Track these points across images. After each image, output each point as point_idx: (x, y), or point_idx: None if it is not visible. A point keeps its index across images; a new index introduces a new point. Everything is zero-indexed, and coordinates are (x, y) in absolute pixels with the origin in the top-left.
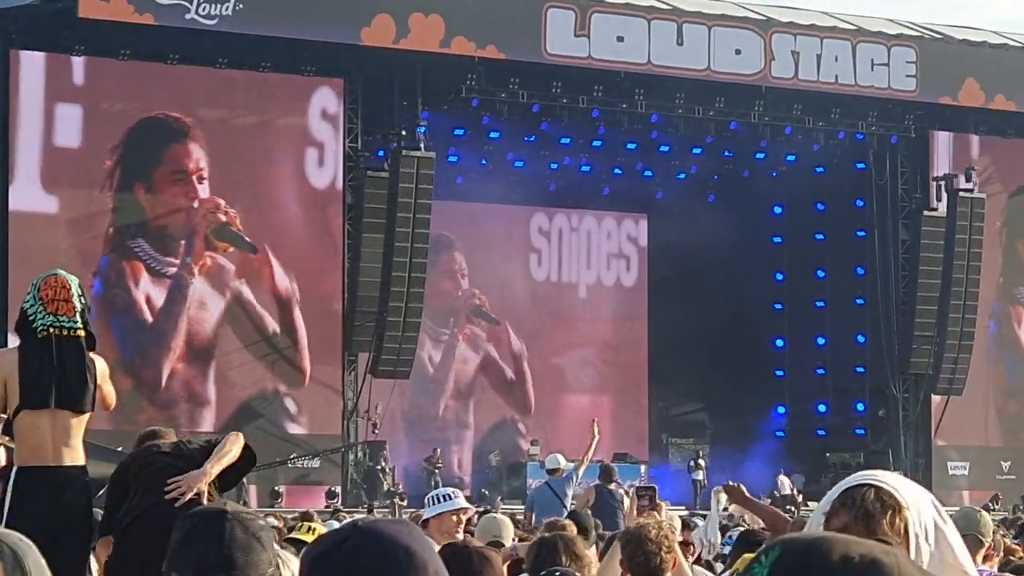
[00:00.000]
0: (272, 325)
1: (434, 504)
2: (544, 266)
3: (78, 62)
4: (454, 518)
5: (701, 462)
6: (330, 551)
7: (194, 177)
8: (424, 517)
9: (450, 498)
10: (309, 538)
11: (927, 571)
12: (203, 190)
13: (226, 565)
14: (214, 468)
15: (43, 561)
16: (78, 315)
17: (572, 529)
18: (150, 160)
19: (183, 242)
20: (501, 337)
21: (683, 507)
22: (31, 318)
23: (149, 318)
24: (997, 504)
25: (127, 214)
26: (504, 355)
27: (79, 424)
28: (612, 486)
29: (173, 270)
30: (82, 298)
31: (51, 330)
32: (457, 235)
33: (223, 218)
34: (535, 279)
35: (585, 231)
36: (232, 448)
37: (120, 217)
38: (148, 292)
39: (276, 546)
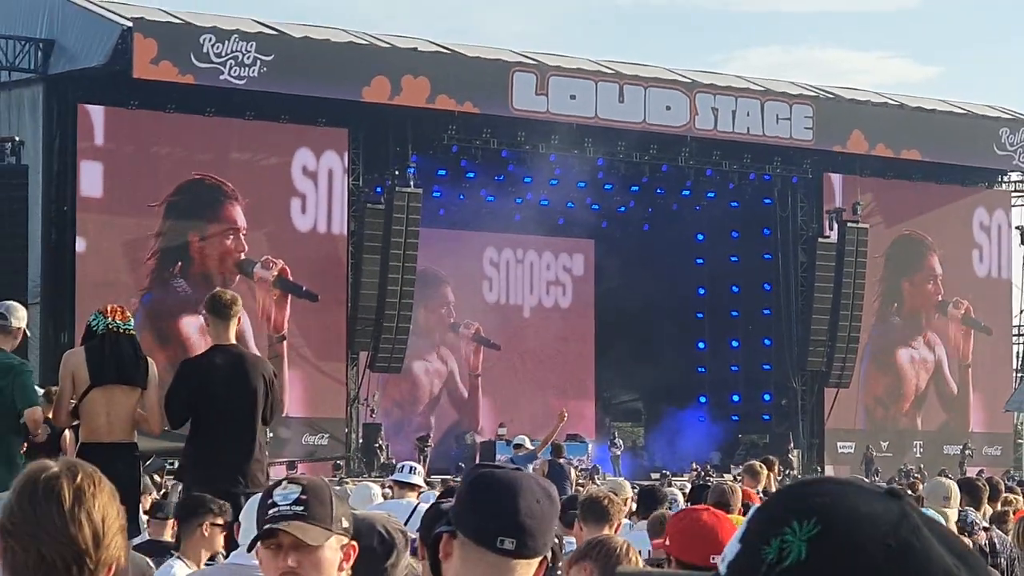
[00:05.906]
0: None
1: (398, 472)
2: (497, 286)
3: (128, 116)
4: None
5: (619, 441)
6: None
7: (235, 230)
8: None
9: (404, 471)
10: None
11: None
12: (240, 239)
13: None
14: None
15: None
16: (131, 321)
17: None
18: (199, 212)
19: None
20: (468, 354)
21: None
22: (93, 328)
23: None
24: (877, 476)
25: (171, 256)
26: (463, 373)
27: (133, 398)
28: (561, 460)
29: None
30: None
31: (109, 328)
32: (442, 265)
33: (243, 255)
34: (494, 296)
35: (530, 261)
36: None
37: (163, 260)
38: (189, 333)
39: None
